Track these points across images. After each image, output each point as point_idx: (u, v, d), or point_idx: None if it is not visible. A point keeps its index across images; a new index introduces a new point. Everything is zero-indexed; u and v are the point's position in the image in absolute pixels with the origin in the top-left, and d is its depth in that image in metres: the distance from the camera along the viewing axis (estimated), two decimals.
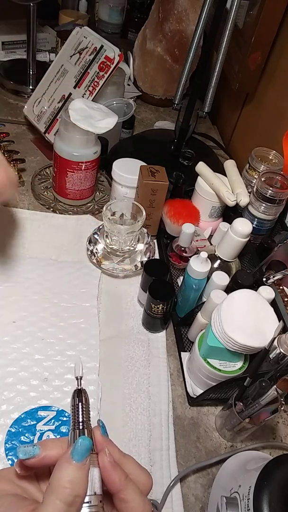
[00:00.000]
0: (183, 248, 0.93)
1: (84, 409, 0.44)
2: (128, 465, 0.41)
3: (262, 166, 1.00)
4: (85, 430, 0.42)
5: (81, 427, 0.42)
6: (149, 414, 0.72)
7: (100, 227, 0.94)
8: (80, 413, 0.43)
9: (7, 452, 0.64)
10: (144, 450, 0.68)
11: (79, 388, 0.45)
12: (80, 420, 0.43)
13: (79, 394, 0.45)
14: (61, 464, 0.38)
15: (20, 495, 0.40)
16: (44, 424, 0.67)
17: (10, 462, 0.63)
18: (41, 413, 0.69)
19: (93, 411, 0.70)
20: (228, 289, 0.75)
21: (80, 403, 0.44)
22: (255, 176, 1.01)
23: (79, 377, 0.46)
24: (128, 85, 1.52)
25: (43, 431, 0.67)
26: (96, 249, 0.92)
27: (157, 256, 0.99)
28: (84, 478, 0.38)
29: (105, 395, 0.73)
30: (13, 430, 0.66)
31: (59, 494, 0.36)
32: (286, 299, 0.85)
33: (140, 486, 0.40)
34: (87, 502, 0.38)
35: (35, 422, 0.67)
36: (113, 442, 0.42)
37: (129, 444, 0.68)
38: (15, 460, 0.62)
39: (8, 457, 0.63)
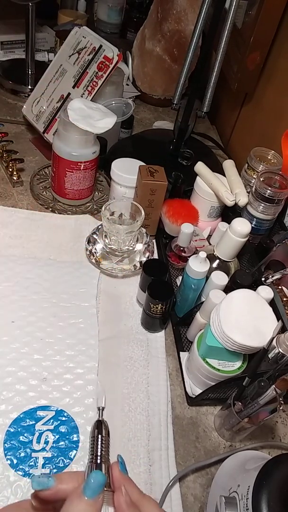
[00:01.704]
0: (182, 248, 0.93)
1: (103, 442, 0.42)
2: (146, 507, 0.39)
3: (261, 166, 1.00)
4: (103, 465, 0.40)
5: (98, 461, 0.40)
6: (148, 414, 0.72)
7: (99, 227, 0.94)
8: (99, 446, 0.42)
9: (6, 452, 0.64)
10: (143, 450, 0.68)
11: (100, 419, 0.44)
12: (99, 453, 0.41)
13: (99, 426, 0.43)
14: (72, 499, 0.37)
15: None
16: (43, 424, 0.67)
17: (8, 462, 0.63)
18: (40, 413, 0.68)
19: (92, 411, 0.70)
20: (227, 289, 0.75)
21: (100, 435, 0.42)
22: (254, 176, 1.01)
23: (101, 408, 0.45)
24: (127, 85, 1.52)
25: (42, 431, 0.67)
26: (95, 249, 0.92)
27: (156, 256, 0.99)
28: None
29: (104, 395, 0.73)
30: (12, 430, 0.66)
31: None
32: (285, 299, 0.85)
33: None
34: None
35: (34, 422, 0.67)
36: (132, 481, 0.40)
37: (128, 444, 0.68)
38: (14, 460, 0.63)
39: (7, 457, 0.63)
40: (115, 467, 0.41)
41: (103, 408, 0.45)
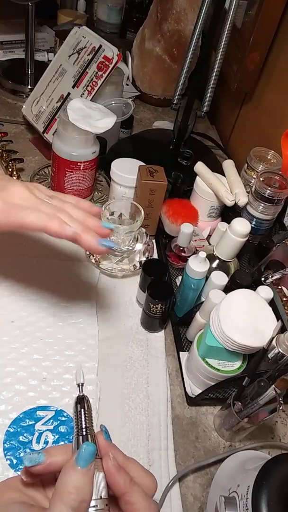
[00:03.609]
0: (181, 248, 0.93)
1: (86, 415, 0.44)
2: (132, 468, 0.42)
3: (261, 166, 1.00)
4: (89, 436, 0.43)
5: (84, 433, 0.43)
6: (148, 414, 0.72)
7: None
8: (83, 419, 0.44)
9: (5, 452, 0.64)
10: (142, 450, 0.68)
11: (81, 395, 0.46)
12: (83, 426, 0.44)
13: (81, 401, 0.45)
14: (66, 470, 0.39)
15: (27, 502, 0.41)
16: (42, 424, 0.67)
17: (8, 462, 0.63)
18: (40, 413, 0.68)
19: (92, 411, 0.70)
20: (227, 289, 0.75)
21: (82, 410, 0.45)
22: (254, 176, 1.01)
23: (80, 384, 0.47)
24: (127, 85, 1.52)
25: (42, 431, 0.67)
26: None
27: (155, 256, 0.99)
28: (89, 483, 0.39)
29: (103, 395, 0.73)
30: (11, 430, 0.66)
31: (64, 500, 0.37)
32: (284, 299, 0.85)
33: (145, 489, 0.41)
34: (93, 507, 0.39)
35: (33, 422, 0.67)
36: (116, 446, 0.43)
37: (128, 444, 0.68)
38: (13, 460, 0.63)
39: (7, 457, 0.63)
40: (100, 436, 0.43)
41: (82, 384, 0.47)
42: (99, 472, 0.41)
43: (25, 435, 0.66)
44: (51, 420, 0.68)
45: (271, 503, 0.51)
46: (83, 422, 0.44)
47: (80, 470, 0.39)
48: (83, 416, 0.44)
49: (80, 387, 0.47)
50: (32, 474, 0.42)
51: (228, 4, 0.93)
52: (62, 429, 0.67)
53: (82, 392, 0.47)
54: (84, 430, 0.43)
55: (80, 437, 0.43)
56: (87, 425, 0.44)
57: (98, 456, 0.42)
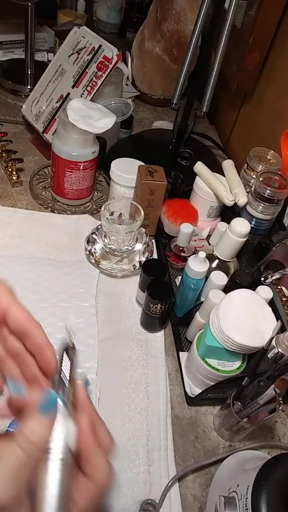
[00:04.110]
0: (181, 248, 0.93)
1: (72, 365, 0.43)
2: (101, 431, 0.43)
3: (260, 166, 1.00)
4: (69, 386, 0.42)
5: (66, 382, 0.42)
6: (148, 414, 0.72)
7: (99, 227, 0.94)
8: (69, 369, 0.43)
9: None
10: (142, 450, 0.68)
11: (71, 345, 0.45)
12: (68, 376, 0.43)
13: (68, 350, 0.45)
14: (28, 413, 0.39)
15: None
16: None
17: None
18: None
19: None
20: (226, 289, 0.75)
21: (68, 358, 0.44)
22: (253, 176, 1.01)
23: (70, 342, 0.46)
24: (127, 85, 1.52)
25: None
26: (95, 249, 0.92)
27: (155, 256, 0.99)
28: (46, 432, 0.38)
29: (103, 395, 0.73)
30: (11, 430, 0.66)
31: (19, 441, 0.36)
32: (284, 299, 0.85)
33: (106, 451, 0.42)
34: (60, 458, 0.38)
35: None
36: (92, 403, 0.43)
37: (128, 444, 0.68)
38: None
39: None
40: (81, 390, 0.43)
41: (72, 341, 0.46)
42: (71, 424, 0.40)
43: None
44: None
45: (270, 503, 0.51)
46: (68, 372, 0.43)
47: (40, 416, 0.38)
48: (68, 364, 0.43)
49: (69, 332, 0.47)
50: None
51: (228, 4, 0.93)
52: None
53: (72, 344, 0.45)
54: (67, 379, 0.42)
55: (59, 386, 0.42)
56: (71, 374, 0.43)
57: (73, 408, 0.41)
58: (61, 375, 0.43)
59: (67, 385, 0.42)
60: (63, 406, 0.40)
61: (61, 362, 0.43)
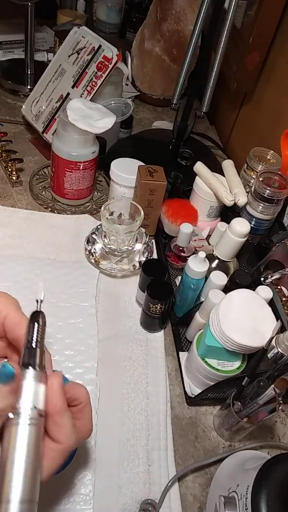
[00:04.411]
0: (181, 248, 0.93)
1: (39, 330, 0.45)
2: (69, 392, 0.45)
3: (260, 166, 1.00)
4: (38, 350, 0.44)
5: (34, 346, 0.44)
6: (147, 413, 0.72)
7: (98, 227, 0.94)
8: (35, 332, 0.44)
9: None
10: (142, 450, 0.68)
11: (38, 310, 0.47)
12: (34, 339, 0.44)
13: (37, 316, 0.46)
14: None
15: None
16: None
17: None
18: None
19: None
20: (226, 289, 0.75)
21: (36, 323, 0.45)
22: (253, 176, 1.01)
23: (39, 300, 0.48)
24: (126, 85, 1.52)
25: None
26: (94, 249, 0.92)
27: (155, 256, 0.99)
28: (4, 397, 0.40)
29: (103, 394, 0.73)
30: None
31: None
32: (284, 299, 0.85)
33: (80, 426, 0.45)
34: (28, 416, 0.40)
35: None
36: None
37: (127, 444, 0.68)
38: None
39: None
40: (49, 354, 0.46)
41: (41, 301, 0.48)
42: (41, 384, 0.42)
43: None
44: None
45: (270, 502, 0.51)
46: (34, 335, 0.44)
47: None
48: (35, 330, 0.45)
49: (39, 303, 0.47)
50: None
51: (228, 4, 0.93)
52: None
53: (39, 308, 0.47)
54: (33, 343, 0.44)
55: (27, 350, 0.43)
56: (38, 339, 0.44)
57: (43, 370, 0.43)
58: (30, 340, 0.44)
59: (35, 348, 0.44)
60: (34, 371, 0.42)
61: (31, 329, 0.45)
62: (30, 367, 0.42)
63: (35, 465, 0.39)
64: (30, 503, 0.38)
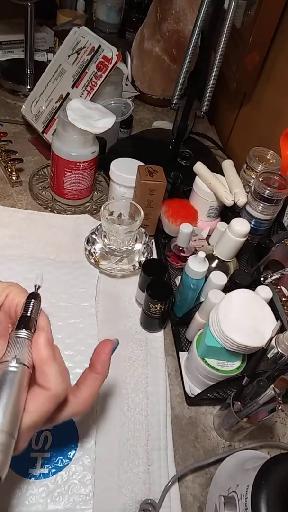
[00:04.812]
0: (181, 248, 0.93)
1: (34, 306, 0.51)
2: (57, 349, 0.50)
3: (260, 166, 1.00)
4: (30, 318, 0.49)
5: (27, 314, 0.49)
6: (147, 413, 0.72)
7: (98, 227, 0.94)
8: (30, 306, 0.50)
9: None
10: (142, 450, 0.68)
11: (35, 292, 0.53)
12: (29, 311, 0.50)
13: (35, 296, 0.52)
14: None
15: None
16: None
17: None
18: None
19: (91, 411, 0.70)
20: (226, 289, 0.75)
21: (32, 300, 0.51)
22: (253, 176, 1.01)
23: (37, 286, 0.54)
24: (126, 85, 1.52)
25: (41, 431, 0.67)
26: (94, 249, 0.92)
27: (155, 256, 0.99)
28: None
29: (103, 394, 0.73)
30: None
31: None
32: (284, 299, 0.85)
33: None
34: (13, 366, 0.45)
35: None
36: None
37: (127, 443, 0.68)
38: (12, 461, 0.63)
39: None
40: (43, 316, 0.51)
41: (39, 287, 0.54)
42: (27, 341, 0.47)
43: None
44: None
45: (270, 502, 0.51)
46: (30, 308, 0.50)
47: None
48: (31, 304, 0.50)
49: (36, 288, 0.53)
50: None
51: (227, 4, 0.93)
52: (61, 429, 0.67)
53: (37, 291, 0.53)
54: (28, 312, 0.50)
55: (20, 317, 0.49)
56: (32, 311, 0.50)
57: (32, 332, 0.48)
58: (25, 311, 0.50)
59: (28, 316, 0.50)
60: (23, 331, 0.48)
61: (27, 304, 0.51)
62: (21, 329, 0.48)
63: (16, 405, 0.43)
64: (7, 436, 0.40)
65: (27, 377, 0.46)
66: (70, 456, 0.65)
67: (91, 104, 0.98)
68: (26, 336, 0.48)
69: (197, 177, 0.99)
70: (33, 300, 0.51)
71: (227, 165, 1.02)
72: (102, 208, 0.87)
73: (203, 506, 0.65)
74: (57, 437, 0.66)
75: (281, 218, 1.03)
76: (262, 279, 0.82)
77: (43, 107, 1.13)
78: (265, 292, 0.73)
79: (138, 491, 0.64)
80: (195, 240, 0.96)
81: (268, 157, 1.03)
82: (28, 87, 1.38)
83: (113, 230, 0.86)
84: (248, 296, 0.69)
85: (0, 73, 1.41)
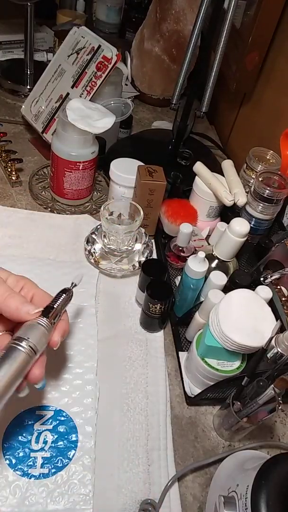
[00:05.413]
0: (181, 248, 0.93)
1: (63, 301, 0.58)
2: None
3: (260, 166, 1.00)
4: (54, 309, 0.56)
5: (53, 306, 0.57)
6: (147, 413, 0.72)
7: (98, 227, 0.94)
8: (59, 299, 0.58)
9: (4, 451, 0.64)
10: (141, 450, 0.68)
11: (69, 288, 0.61)
12: (57, 303, 0.57)
13: (67, 291, 0.59)
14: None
15: None
16: (41, 424, 0.67)
17: (7, 461, 0.63)
18: (39, 413, 0.68)
19: (91, 410, 0.70)
20: (226, 289, 0.75)
21: (64, 295, 0.59)
22: (253, 176, 1.01)
23: (74, 283, 0.62)
24: (126, 85, 1.52)
25: (41, 430, 0.67)
26: (94, 249, 0.92)
27: (155, 256, 0.99)
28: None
29: (102, 394, 0.73)
30: (10, 430, 0.66)
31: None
32: (283, 299, 0.85)
33: None
34: (22, 342, 0.51)
35: (32, 422, 0.67)
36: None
37: (127, 444, 0.68)
38: (12, 460, 0.63)
39: (6, 456, 0.63)
40: (65, 316, 0.60)
41: (75, 285, 0.62)
42: (42, 327, 0.54)
43: (24, 434, 0.66)
44: (50, 420, 0.68)
45: (270, 502, 0.51)
46: (58, 301, 0.57)
47: None
48: (60, 298, 0.58)
49: (72, 284, 0.62)
50: None
51: (227, 4, 0.93)
52: (61, 428, 0.67)
53: (71, 289, 0.61)
54: (55, 304, 0.57)
55: (47, 307, 0.56)
56: (59, 304, 0.57)
57: (50, 321, 0.56)
58: (53, 302, 0.57)
59: (53, 308, 0.56)
60: (46, 320, 0.54)
61: (57, 297, 0.58)
62: (43, 316, 0.54)
63: (9, 384, 0.50)
64: None
65: (30, 361, 0.51)
66: (70, 456, 0.65)
67: (91, 104, 0.98)
68: (44, 324, 0.53)
69: (197, 177, 0.99)
70: (64, 294, 0.58)
71: (227, 165, 1.02)
72: (102, 208, 0.87)
73: (203, 506, 0.65)
74: (57, 437, 0.66)
75: (281, 218, 1.03)
76: (262, 279, 0.82)
77: (43, 107, 1.13)
78: (265, 292, 0.73)
79: (138, 491, 0.64)
80: (195, 240, 0.96)
81: (268, 157, 1.03)
82: (28, 87, 1.38)
83: (113, 230, 0.86)
84: (248, 296, 0.69)
85: (0, 73, 1.41)
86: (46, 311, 0.55)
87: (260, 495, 0.51)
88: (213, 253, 0.83)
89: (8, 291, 0.56)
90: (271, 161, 1.03)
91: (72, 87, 1.06)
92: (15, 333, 0.53)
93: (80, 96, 1.05)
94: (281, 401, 0.60)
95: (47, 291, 0.85)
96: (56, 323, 0.56)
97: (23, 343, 0.50)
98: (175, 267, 0.96)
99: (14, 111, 1.34)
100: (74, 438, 0.67)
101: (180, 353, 0.82)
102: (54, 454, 0.65)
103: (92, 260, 0.92)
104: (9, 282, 0.60)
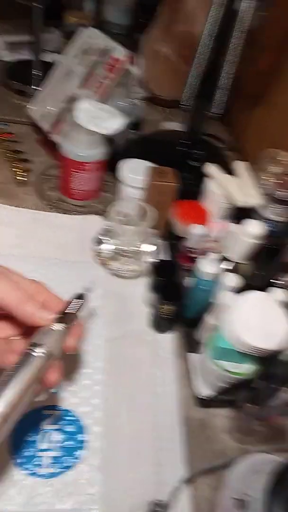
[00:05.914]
0: (191, 249, 0.92)
1: (75, 307, 0.59)
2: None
3: (274, 167, 0.99)
4: (68, 315, 0.57)
5: (66, 311, 0.57)
6: (156, 414, 0.72)
7: (106, 227, 0.94)
8: (72, 304, 0.59)
9: (11, 451, 0.63)
10: (150, 450, 0.67)
11: (84, 293, 0.62)
12: (70, 308, 0.58)
13: (82, 296, 0.61)
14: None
15: None
16: (49, 423, 0.67)
17: (14, 461, 0.62)
18: (46, 412, 0.68)
19: (99, 411, 0.70)
20: (238, 291, 0.74)
21: (79, 299, 0.60)
22: (266, 178, 1.00)
23: (87, 288, 0.63)
24: (135, 85, 1.51)
25: (48, 430, 0.66)
26: (102, 249, 0.92)
27: (164, 257, 0.98)
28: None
29: (110, 395, 0.73)
30: (17, 429, 0.65)
31: None
32: None
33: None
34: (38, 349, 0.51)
35: (40, 421, 0.67)
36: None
37: (135, 444, 0.68)
38: (20, 460, 0.62)
39: (12, 456, 0.63)
40: (80, 322, 0.60)
41: (90, 291, 0.63)
42: (58, 333, 0.54)
43: (31, 434, 0.65)
44: (58, 420, 0.68)
45: (282, 506, 0.50)
46: (71, 306, 0.58)
47: None
48: (76, 304, 0.59)
49: (86, 291, 0.63)
50: None
51: (240, 5, 0.92)
52: (68, 428, 0.67)
53: (86, 294, 0.62)
54: (68, 310, 0.57)
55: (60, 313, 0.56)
56: (73, 312, 0.58)
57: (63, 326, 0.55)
58: (68, 309, 0.58)
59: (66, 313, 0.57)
60: (62, 326, 0.54)
61: (72, 302, 0.59)
62: (58, 322, 0.54)
63: (28, 386, 0.48)
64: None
65: (46, 367, 0.51)
66: (78, 456, 0.64)
67: (99, 105, 0.98)
68: (59, 330, 0.53)
69: (208, 178, 0.99)
70: (79, 299, 0.60)
71: (240, 166, 1.01)
72: (110, 209, 0.86)
73: (214, 509, 0.64)
74: (65, 437, 0.66)
75: None
76: (275, 281, 0.81)
77: (51, 108, 1.12)
78: (278, 294, 0.72)
79: (146, 491, 0.63)
80: (206, 242, 0.95)
81: (281, 158, 1.02)
82: (35, 87, 1.37)
83: (121, 230, 0.85)
84: (261, 298, 0.68)
85: (7, 74, 1.41)
86: (61, 317, 0.55)
87: (273, 499, 0.51)
88: (225, 255, 0.82)
89: (24, 296, 0.56)
90: (285, 162, 1.01)
91: (80, 87, 1.06)
92: (30, 339, 0.53)
93: (89, 97, 1.04)
94: None
95: (53, 291, 0.85)
96: (70, 328, 0.56)
97: (39, 349, 0.50)
98: (186, 268, 0.95)
99: (22, 111, 1.33)
100: (81, 438, 0.66)
101: (190, 355, 0.81)
102: (61, 454, 0.64)
103: (100, 261, 0.91)
104: (22, 285, 0.59)
